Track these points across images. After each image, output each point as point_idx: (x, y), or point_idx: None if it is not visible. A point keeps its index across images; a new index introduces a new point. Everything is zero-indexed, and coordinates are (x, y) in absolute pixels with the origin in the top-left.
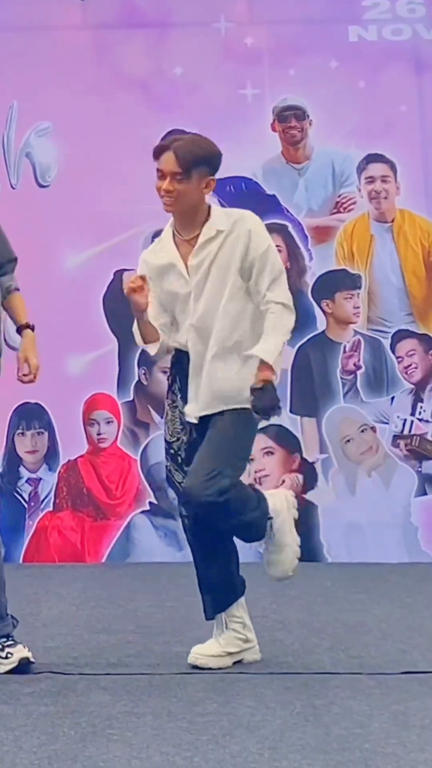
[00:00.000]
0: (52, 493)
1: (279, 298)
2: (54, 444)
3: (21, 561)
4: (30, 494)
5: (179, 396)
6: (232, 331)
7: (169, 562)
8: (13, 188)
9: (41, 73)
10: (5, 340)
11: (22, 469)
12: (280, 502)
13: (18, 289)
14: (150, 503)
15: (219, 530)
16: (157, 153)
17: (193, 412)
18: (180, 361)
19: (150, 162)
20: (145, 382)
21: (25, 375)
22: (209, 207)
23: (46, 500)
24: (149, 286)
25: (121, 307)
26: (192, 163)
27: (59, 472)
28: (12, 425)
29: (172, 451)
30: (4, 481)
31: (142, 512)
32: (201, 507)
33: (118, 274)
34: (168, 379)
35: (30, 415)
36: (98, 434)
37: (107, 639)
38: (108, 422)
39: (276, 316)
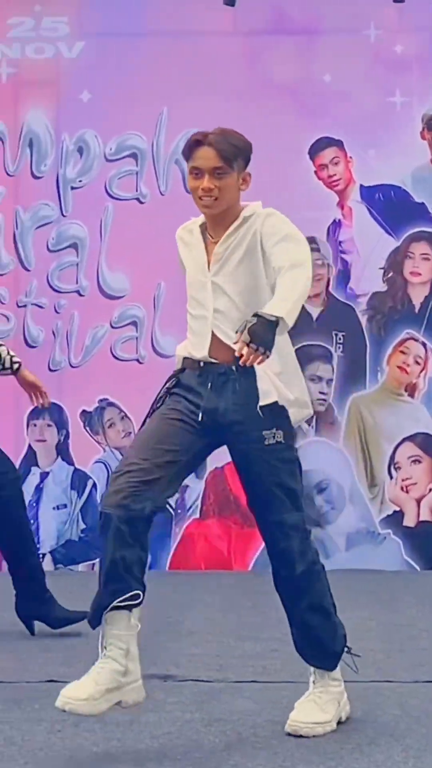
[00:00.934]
0: (199, 501)
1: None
2: None
3: (167, 568)
4: (177, 502)
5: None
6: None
7: None
8: (162, 195)
9: (191, 79)
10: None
11: None
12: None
13: None
14: None
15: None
16: (190, 150)
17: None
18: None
19: (303, 167)
20: None
21: None
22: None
23: (192, 507)
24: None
25: None
26: (233, 155)
27: (206, 479)
28: None
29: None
30: None
31: None
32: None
33: None
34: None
35: None
36: None
37: (253, 647)
38: None
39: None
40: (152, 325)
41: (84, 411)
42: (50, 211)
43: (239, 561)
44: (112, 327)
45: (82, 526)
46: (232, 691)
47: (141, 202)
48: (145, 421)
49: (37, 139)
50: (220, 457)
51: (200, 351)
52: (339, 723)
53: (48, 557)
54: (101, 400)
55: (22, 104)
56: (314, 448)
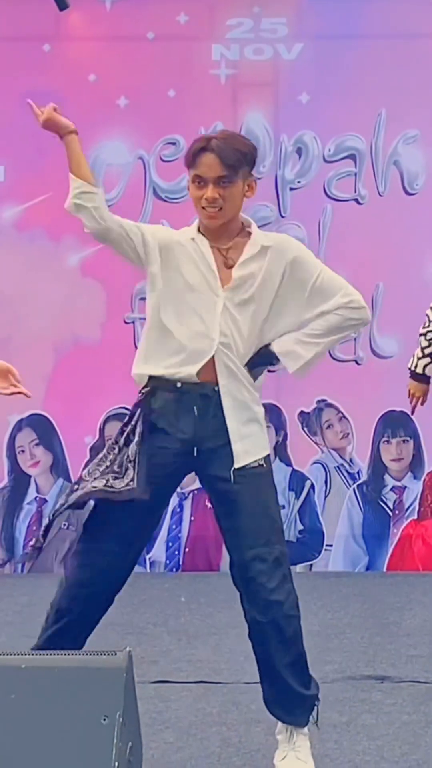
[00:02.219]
0: (417, 502)
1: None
2: (419, 452)
3: (385, 569)
4: (395, 502)
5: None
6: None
7: None
8: (381, 195)
9: (409, 80)
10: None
11: (386, 477)
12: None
13: None
14: None
15: None
16: (193, 157)
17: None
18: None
19: None
20: None
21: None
22: (242, 220)
23: (410, 508)
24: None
25: None
26: (237, 162)
27: (424, 480)
28: (377, 433)
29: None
30: (369, 488)
31: None
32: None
33: None
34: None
35: (395, 423)
36: None
37: None
38: None
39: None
40: (370, 325)
41: (302, 412)
42: (269, 212)
43: None
44: None
45: (300, 527)
46: None
47: (359, 203)
48: (118, 443)
49: (256, 141)
50: None
51: (187, 369)
52: None
53: None
54: (319, 401)
55: (240, 105)
56: None
